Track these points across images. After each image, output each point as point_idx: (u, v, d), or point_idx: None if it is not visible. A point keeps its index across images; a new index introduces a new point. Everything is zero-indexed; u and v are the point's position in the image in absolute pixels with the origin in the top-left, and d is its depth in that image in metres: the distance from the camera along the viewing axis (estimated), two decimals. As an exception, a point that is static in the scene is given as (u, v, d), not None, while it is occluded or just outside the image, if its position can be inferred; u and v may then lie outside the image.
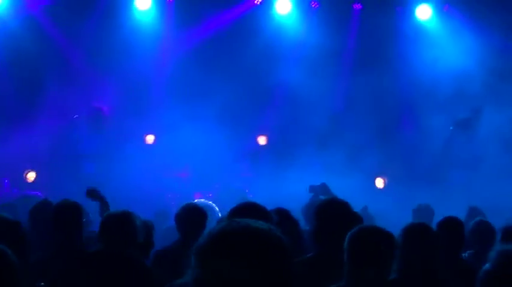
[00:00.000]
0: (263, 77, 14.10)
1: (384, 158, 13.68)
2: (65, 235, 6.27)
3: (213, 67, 13.79)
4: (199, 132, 12.98)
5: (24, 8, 13.65)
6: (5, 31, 13.46)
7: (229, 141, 13.37)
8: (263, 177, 13.43)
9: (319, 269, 4.90)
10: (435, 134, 13.86)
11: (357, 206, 7.08)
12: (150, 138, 14.27)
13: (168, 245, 6.84)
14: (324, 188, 9.91)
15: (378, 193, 13.57)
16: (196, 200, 10.76)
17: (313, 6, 14.59)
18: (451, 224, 6.37)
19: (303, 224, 7.31)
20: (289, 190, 11.24)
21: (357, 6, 14.61)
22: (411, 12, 14.54)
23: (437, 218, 7.08)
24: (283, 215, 5.61)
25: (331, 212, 5.18)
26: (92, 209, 7.98)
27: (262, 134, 14.82)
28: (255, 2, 14.41)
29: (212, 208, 10.15)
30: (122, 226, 5.57)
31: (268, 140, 14.83)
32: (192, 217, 6.76)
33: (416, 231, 4.93)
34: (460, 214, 7.81)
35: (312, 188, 10.09)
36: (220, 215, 9.57)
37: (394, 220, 7.70)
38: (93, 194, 7.64)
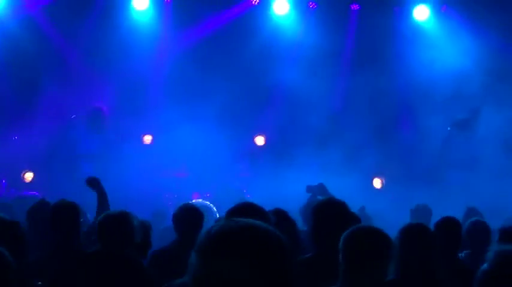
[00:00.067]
0: (261, 78, 14.09)
1: (381, 158, 13.68)
2: (62, 235, 6.27)
3: (211, 67, 13.79)
4: (197, 133, 12.98)
5: (22, 8, 13.64)
6: (3, 31, 13.45)
7: (227, 142, 13.37)
8: (261, 177, 13.44)
9: (317, 269, 4.90)
10: (433, 134, 13.86)
11: (355, 206, 7.09)
12: (147, 139, 14.27)
13: (166, 245, 6.84)
14: (321, 188, 9.91)
15: (375, 193, 13.57)
16: (194, 201, 10.76)
17: (311, 6, 14.59)
18: (448, 224, 6.38)
19: (301, 225, 7.32)
20: (287, 190, 11.24)
21: (355, 6, 14.61)
22: (409, 12, 14.54)
23: (435, 218, 7.08)
24: (280, 216, 5.61)
25: (328, 213, 5.19)
26: (90, 209, 7.98)
27: (260, 134, 14.82)
28: (253, 2, 14.40)
29: (210, 209, 10.14)
30: (120, 226, 5.57)
31: (267, 140, 14.83)
32: (189, 217, 6.76)
33: (414, 231, 4.93)
34: (458, 214, 7.80)
35: (310, 189, 10.10)
36: (218, 215, 9.56)
37: (392, 220, 7.71)
38: (93, 183, 7.63)
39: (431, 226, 6.31)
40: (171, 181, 13.60)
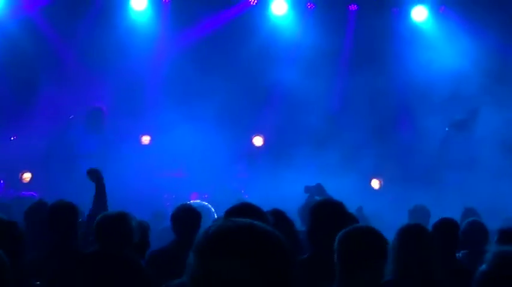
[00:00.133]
0: (259, 78, 14.10)
1: (379, 159, 13.69)
2: (60, 235, 6.26)
3: (209, 68, 13.79)
4: (195, 133, 12.99)
5: (20, 9, 13.64)
6: (1, 32, 13.44)
7: (225, 142, 13.36)
8: (259, 178, 13.44)
9: (314, 270, 4.89)
10: (431, 135, 13.87)
11: (353, 207, 7.09)
12: (146, 139, 14.26)
13: (164, 245, 6.84)
14: (319, 188, 9.92)
15: (374, 193, 13.57)
16: (192, 201, 10.75)
17: (309, 7, 14.59)
18: (446, 225, 6.39)
19: (299, 225, 7.31)
20: (285, 191, 11.24)
21: (353, 7, 14.62)
22: (407, 13, 14.55)
23: (434, 219, 7.09)
24: (279, 216, 5.61)
25: (326, 213, 5.19)
26: (88, 209, 7.96)
27: (258, 135, 14.81)
28: (251, 2, 14.40)
29: (208, 209, 10.14)
30: (118, 226, 5.57)
31: (265, 141, 14.83)
32: (186, 217, 6.76)
33: (412, 232, 4.92)
34: (456, 215, 7.82)
35: (307, 189, 10.10)
36: (216, 216, 9.56)
37: (389, 220, 7.71)
38: (93, 174, 7.61)
39: (430, 226, 6.31)
40: (169, 181, 13.59)
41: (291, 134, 14.33)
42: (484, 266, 3.22)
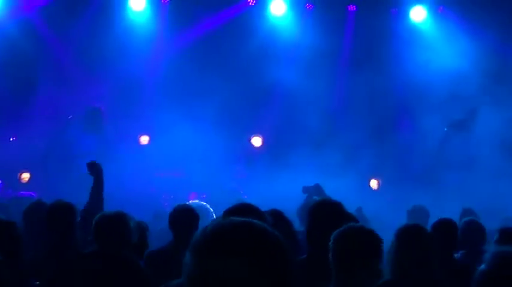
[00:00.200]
0: (258, 78, 14.09)
1: (378, 159, 13.68)
2: (59, 236, 6.26)
3: (207, 68, 13.79)
4: (193, 133, 12.99)
5: (19, 9, 13.63)
6: (0, 33, 13.44)
7: (224, 142, 13.36)
8: (258, 178, 13.43)
9: (313, 270, 4.89)
10: (430, 135, 13.88)
11: (352, 207, 7.08)
12: (144, 139, 14.26)
13: (162, 246, 6.83)
14: (317, 189, 9.90)
15: (372, 194, 13.57)
16: (191, 201, 10.74)
17: (307, 7, 14.59)
18: (445, 226, 6.39)
19: (298, 226, 7.30)
20: (284, 191, 11.23)
21: (352, 7, 14.62)
22: (405, 13, 14.56)
23: (432, 219, 7.09)
24: (277, 217, 5.60)
25: (324, 213, 5.17)
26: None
27: (257, 135, 14.81)
28: (250, 3, 14.39)
29: (207, 209, 10.12)
30: (116, 227, 5.56)
31: (263, 141, 14.83)
32: (184, 218, 6.74)
33: (411, 232, 4.92)
34: (455, 215, 7.82)
35: (306, 189, 10.09)
36: (214, 216, 9.55)
37: (388, 221, 7.71)
38: (92, 168, 7.60)
39: (428, 227, 6.31)
40: (167, 181, 13.58)
41: (289, 134, 14.34)
42: (483, 266, 3.22)
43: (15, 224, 5.34)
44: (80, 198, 7.63)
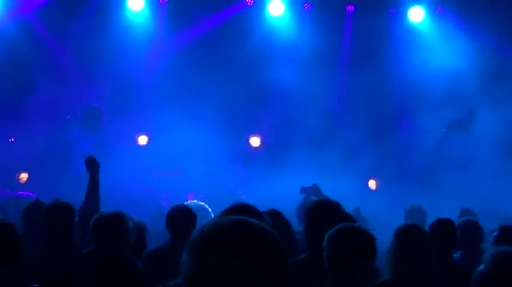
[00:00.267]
0: (256, 79, 14.09)
1: (376, 159, 13.68)
2: (57, 236, 6.26)
3: (206, 68, 13.78)
4: (192, 133, 12.98)
5: (17, 11, 13.63)
6: (-2, 33, 13.47)
7: (222, 142, 13.36)
8: (256, 178, 13.42)
9: (311, 270, 4.88)
10: (428, 135, 13.88)
11: (350, 207, 7.08)
12: (142, 139, 14.25)
13: (160, 246, 6.83)
14: (315, 189, 9.91)
15: (370, 194, 13.57)
16: (189, 201, 10.73)
17: (306, 7, 14.59)
18: (443, 226, 6.39)
19: (296, 226, 7.30)
20: (282, 191, 11.22)
21: (350, 7, 14.62)
22: (404, 14, 14.55)
23: (430, 219, 7.08)
24: (275, 217, 5.60)
25: (322, 213, 5.17)
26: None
27: (255, 135, 14.81)
28: (248, 3, 14.39)
29: (205, 209, 10.11)
30: (114, 227, 5.56)
31: (262, 141, 14.83)
32: (182, 218, 6.74)
33: (409, 232, 4.92)
34: (453, 215, 7.81)
35: (304, 190, 10.09)
36: (213, 216, 9.55)
37: (386, 221, 7.71)
38: (90, 164, 7.58)
39: (426, 227, 6.31)
40: (166, 181, 13.57)
41: (288, 134, 14.34)
42: (482, 267, 3.22)
43: (15, 226, 5.33)
44: (78, 198, 7.62)
